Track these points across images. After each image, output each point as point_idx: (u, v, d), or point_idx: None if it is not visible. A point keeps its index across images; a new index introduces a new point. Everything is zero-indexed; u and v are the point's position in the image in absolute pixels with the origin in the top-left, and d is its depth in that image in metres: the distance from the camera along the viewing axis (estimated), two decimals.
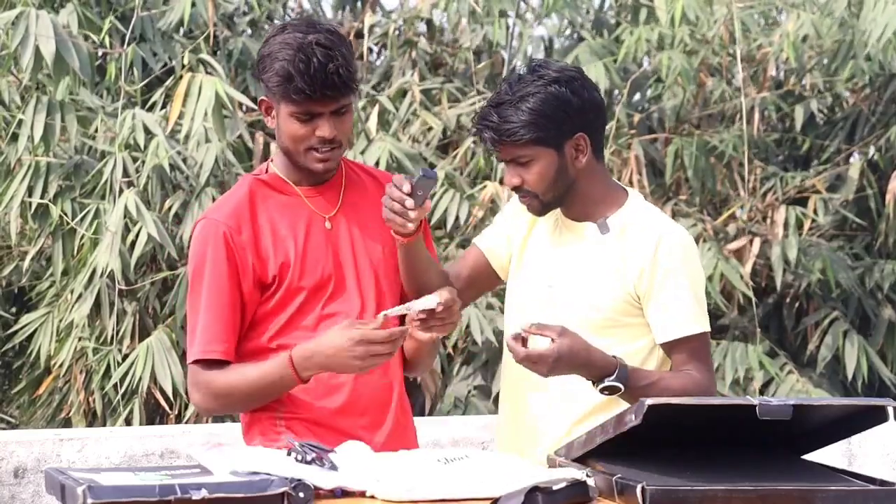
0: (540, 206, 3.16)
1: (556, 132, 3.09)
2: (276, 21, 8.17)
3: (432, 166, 6.92)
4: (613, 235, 3.17)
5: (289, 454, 2.67)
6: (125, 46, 6.32)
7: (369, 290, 3.10)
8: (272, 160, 3.17)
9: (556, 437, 3.11)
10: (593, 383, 3.05)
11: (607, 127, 7.07)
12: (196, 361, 3.05)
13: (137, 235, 6.01)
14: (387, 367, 3.09)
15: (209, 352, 3.02)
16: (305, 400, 3.06)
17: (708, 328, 3.17)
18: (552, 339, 2.98)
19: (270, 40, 3.03)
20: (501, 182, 6.42)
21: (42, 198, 6.14)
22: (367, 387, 3.08)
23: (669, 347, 3.14)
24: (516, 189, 3.15)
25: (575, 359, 2.99)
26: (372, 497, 2.60)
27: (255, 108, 6.88)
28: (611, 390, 3.03)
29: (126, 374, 5.95)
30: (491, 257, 3.30)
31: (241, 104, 6.58)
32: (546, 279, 3.20)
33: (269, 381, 3.01)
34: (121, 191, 6.04)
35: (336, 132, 3.03)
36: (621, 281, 3.13)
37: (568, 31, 8.03)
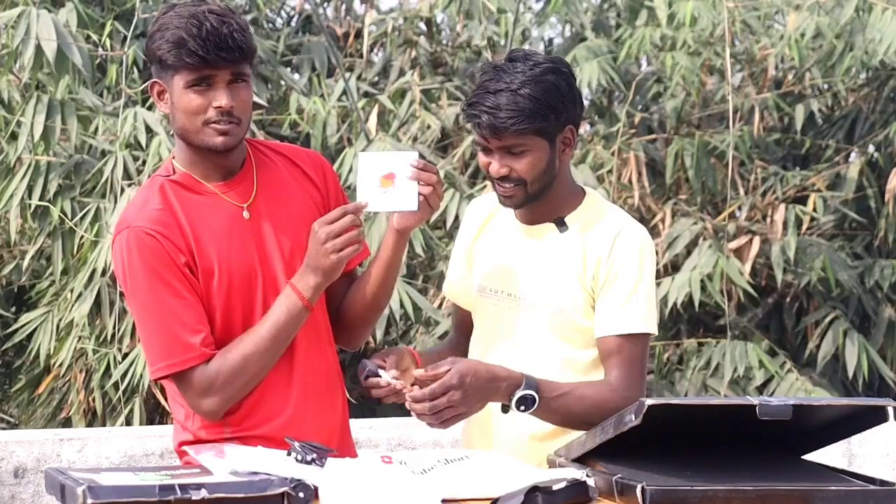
0: (524, 197, 3.08)
1: (555, 123, 3.04)
2: (278, 19, 8.20)
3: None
4: (573, 232, 3.11)
5: (289, 454, 2.67)
6: (125, 48, 6.32)
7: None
8: (174, 158, 3.04)
9: (512, 444, 3.10)
10: (504, 408, 2.97)
11: (607, 127, 7.13)
12: (179, 374, 2.94)
13: None
14: (331, 375, 3.07)
15: (187, 361, 2.92)
16: (252, 419, 2.99)
17: (651, 331, 3.09)
18: (447, 369, 2.90)
19: (160, 19, 2.95)
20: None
21: (42, 197, 6.14)
22: (311, 397, 3.03)
23: (604, 345, 3.06)
24: (503, 178, 3.06)
25: (478, 376, 2.90)
26: None
27: (260, 105, 6.89)
28: (525, 404, 2.94)
29: (126, 371, 5.95)
30: (463, 296, 3.27)
31: None
32: (508, 289, 3.15)
33: (281, 323, 2.94)
34: (122, 190, 6.04)
35: (233, 103, 2.93)
36: (581, 277, 3.08)
37: (569, 33, 8.03)
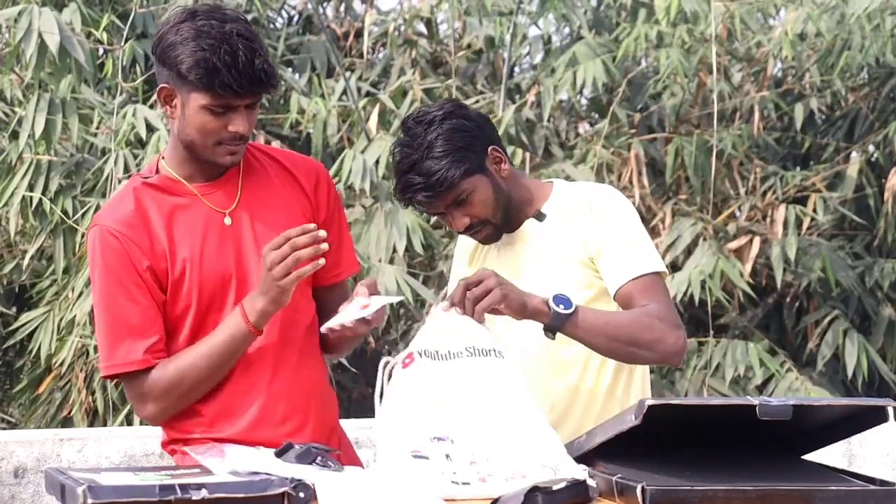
0: (495, 231, 3.19)
1: (475, 157, 3.13)
2: (279, 19, 8.19)
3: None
4: (552, 218, 3.20)
5: (289, 454, 2.67)
6: (124, 43, 6.33)
7: None
8: (162, 157, 2.99)
9: None
10: (546, 330, 2.96)
11: (606, 126, 7.13)
12: (122, 375, 2.92)
13: None
14: (301, 369, 2.99)
15: (128, 364, 2.89)
16: (220, 421, 2.95)
17: (660, 268, 3.14)
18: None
19: (180, 26, 2.85)
20: None
21: (43, 196, 6.14)
22: (281, 394, 2.97)
23: (623, 295, 3.10)
24: (468, 228, 3.16)
25: (507, 282, 2.92)
26: None
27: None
28: (563, 303, 2.94)
29: None
30: None
31: None
32: None
33: (222, 344, 2.88)
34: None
35: (249, 127, 2.90)
36: (572, 252, 3.15)
37: (567, 30, 8.03)
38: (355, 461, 3.01)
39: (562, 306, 2.95)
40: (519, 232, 3.23)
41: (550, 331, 2.97)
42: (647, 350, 3.02)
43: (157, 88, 2.93)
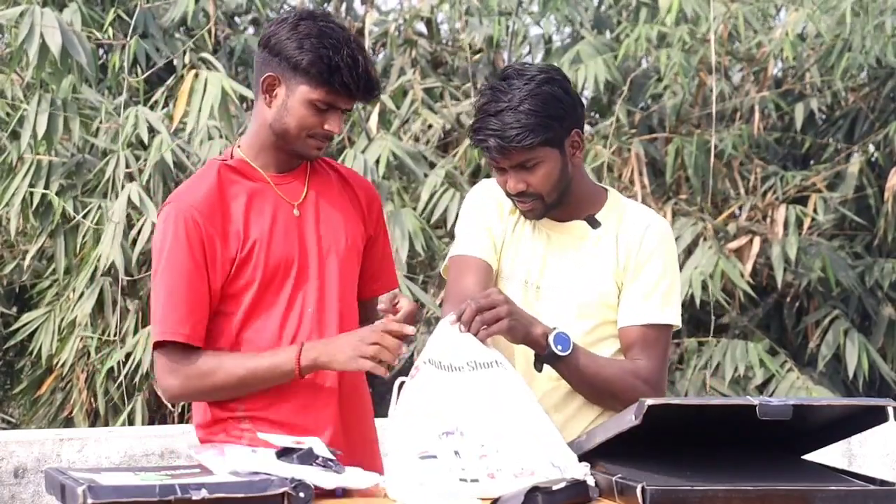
0: (543, 209, 3.14)
1: (560, 131, 3.08)
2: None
3: (433, 165, 6.93)
4: (605, 229, 3.17)
5: (290, 454, 2.67)
6: (128, 39, 6.34)
7: (332, 279, 3.12)
8: (238, 145, 3.16)
9: None
10: (537, 362, 2.99)
11: (608, 126, 7.13)
12: (164, 344, 3.03)
13: (139, 232, 6.02)
14: (345, 383, 3.12)
15: (177, 334, 3.01)
16: (265, 398, 3.07)
17: (674, 322, 3.14)
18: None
19: (299, 23, 3.03)
20: None
21: (44, 196, 6.14)
22: (314, 387, 3.09)
23: (627, 335, 3.11)
24: (521, 194, 3.11)
25: (517, 311, 2.94)
26: (376, 496, 2.61)
27: None
28: (562, 344, 2.97)
29: (129, 370, 5.95)
30: (493, 262, 3.21)
31: (243, 99, 6.57)
32: (534, 279, 3.17)
33: (262, 369, 3.01)
34: (123, 186, 6.04)
35: (340, 130, 3.08)
36: (614, 270, 3.13)
37: (567, 30, 8.03)
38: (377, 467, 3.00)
39: (559, 347, 2.98)
40: (566, 227, 3.18)
41: (540, 363, 3.00)
42: (621, 406, 2.93)
43: (261, 77, 3.07)
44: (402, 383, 2.78)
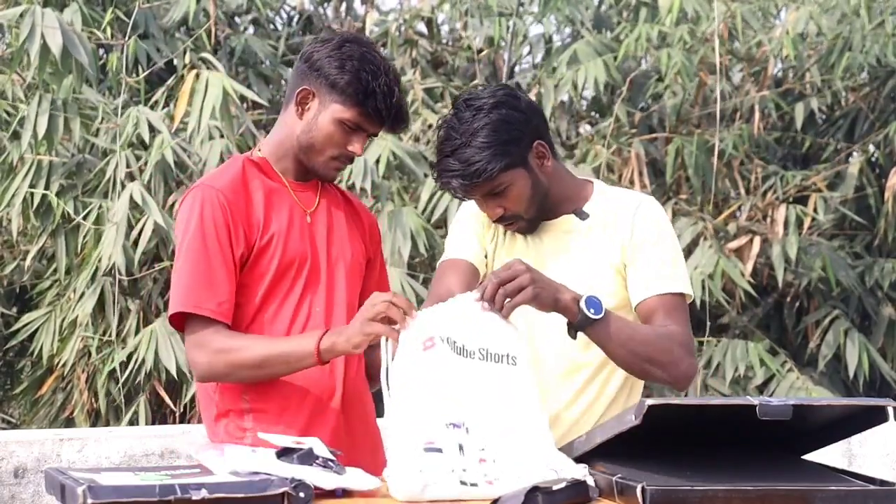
0: (527, 226, 3.16)
1: (519, 150, 3.09)
2: (278, 19, 8.19)
3: (433, 165, 6.92)
4: (594, 219, 3.17)
5: (290, 454, 2.67)
6: (127, 39, 6.34)
7: (340, 286, 3.19)
8: (259, 148, 3.24)
9: None
10: (570, 329, 2.96)
11: (607, 126, 7.13)
12: (191, 320, 3.05)
13: (141, 232, 6.02)
14: (332, 367, 3.14)
15: (201, 308, 3.04)
16: (269, 392, 3.10)
17: (688, 291, 3.13)
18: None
19: (344, 45, 3.11)
20: None
21: (44, 196, 6.14)
22: (318, 386, 3.13)
23: (646, 308, 3.09)
24: (500, 218, 3.13)
25: (540, 276, 2.89)
26: (377, 496, 2.61)
27: (261, 105, 6.89)
28: (594, 307, 2.92)
29: (130, 371, 5.95)
30: (479, 265, 3.22)
31: (244, 99, 6.57)
32: None
33: (286, 349, 3.03)
34: (123, 185, 6.05)
35: (362, 153, 3.19)
36: (610, 257, 3.13)
37: (568, 30, 8.04)
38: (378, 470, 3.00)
39: (592, 310, 2.93)
40: (556, 224, 3.19)
41: (574, 329, 2.96)
42: (660, 370, 3.01)
43: (297, 88, 3.15)
44: (400, 342, 2.77)
